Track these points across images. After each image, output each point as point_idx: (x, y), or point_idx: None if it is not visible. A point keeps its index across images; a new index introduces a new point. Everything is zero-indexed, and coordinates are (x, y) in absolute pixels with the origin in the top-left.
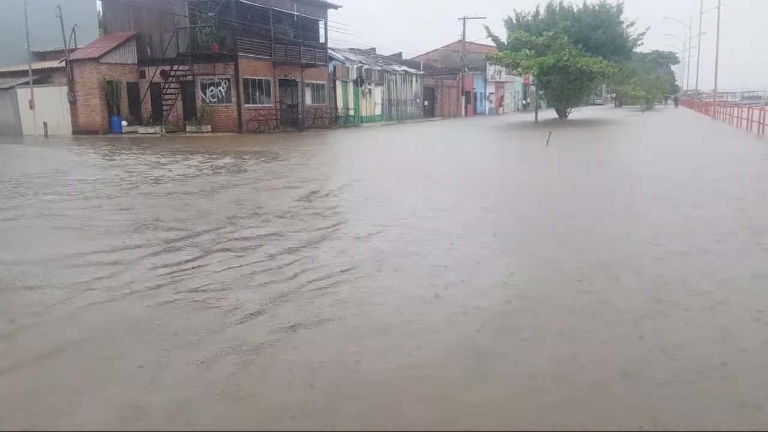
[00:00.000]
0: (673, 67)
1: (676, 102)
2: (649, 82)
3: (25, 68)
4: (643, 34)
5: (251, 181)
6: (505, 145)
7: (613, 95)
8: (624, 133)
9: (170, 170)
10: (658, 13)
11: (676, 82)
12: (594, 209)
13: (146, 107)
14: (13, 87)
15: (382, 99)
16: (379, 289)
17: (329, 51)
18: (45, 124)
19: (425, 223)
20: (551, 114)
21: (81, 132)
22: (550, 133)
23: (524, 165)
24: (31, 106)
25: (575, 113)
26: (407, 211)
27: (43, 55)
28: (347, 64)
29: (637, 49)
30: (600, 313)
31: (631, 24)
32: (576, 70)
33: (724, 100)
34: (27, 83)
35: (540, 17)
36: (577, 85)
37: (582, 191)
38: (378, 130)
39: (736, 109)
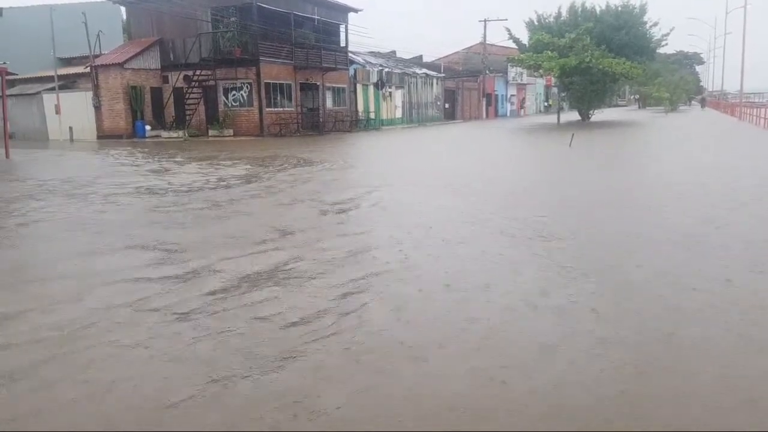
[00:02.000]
0: (698, 68)
1: (703, 103)
2: (673, 83)
3: (50, 74)
4: (667, 34)
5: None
6: (531, 147)
7: (637, 96)
8: (652, 135)
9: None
10: (682, 14)
11: (701, 83)
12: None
13: (169, 112)
14: (40, 92)
15: (403, 102)
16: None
17: (350, 54)
18: (70, 128)
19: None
20: (573, 116)
21: (105, 136)
22: (573, 134)
23: (559, 171)
24: (57, 111)
25: (598, 115)
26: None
27: (68, 61)
28: (368, 68)
29: (661, 50)
30: None
31: (655, 24)
32: (599, 71)
33: (751, 101)
34: (53, 89)
35: (562, 18)
36: (599, 86)
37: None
38: (399, 133)
39: (763, 110)
